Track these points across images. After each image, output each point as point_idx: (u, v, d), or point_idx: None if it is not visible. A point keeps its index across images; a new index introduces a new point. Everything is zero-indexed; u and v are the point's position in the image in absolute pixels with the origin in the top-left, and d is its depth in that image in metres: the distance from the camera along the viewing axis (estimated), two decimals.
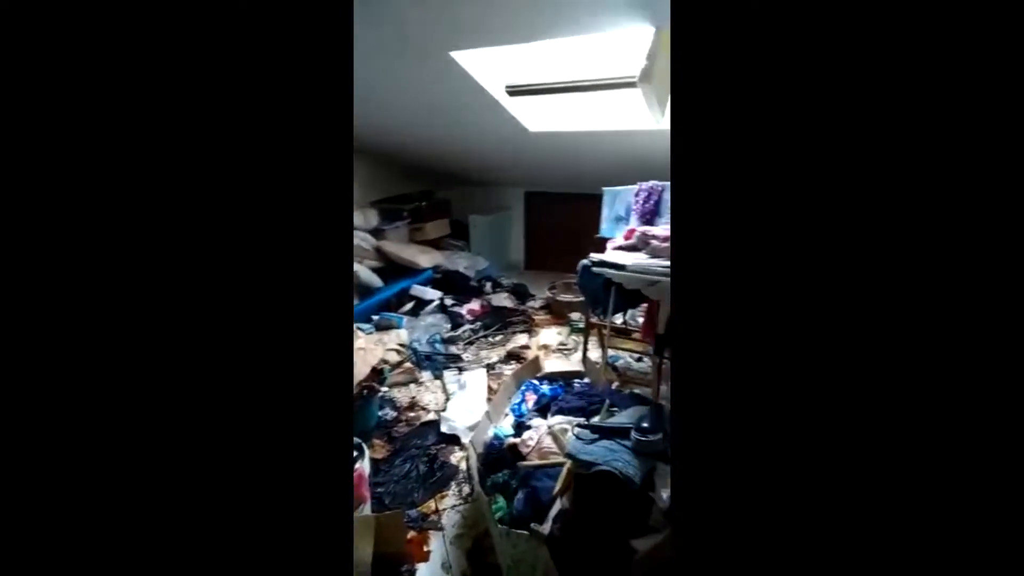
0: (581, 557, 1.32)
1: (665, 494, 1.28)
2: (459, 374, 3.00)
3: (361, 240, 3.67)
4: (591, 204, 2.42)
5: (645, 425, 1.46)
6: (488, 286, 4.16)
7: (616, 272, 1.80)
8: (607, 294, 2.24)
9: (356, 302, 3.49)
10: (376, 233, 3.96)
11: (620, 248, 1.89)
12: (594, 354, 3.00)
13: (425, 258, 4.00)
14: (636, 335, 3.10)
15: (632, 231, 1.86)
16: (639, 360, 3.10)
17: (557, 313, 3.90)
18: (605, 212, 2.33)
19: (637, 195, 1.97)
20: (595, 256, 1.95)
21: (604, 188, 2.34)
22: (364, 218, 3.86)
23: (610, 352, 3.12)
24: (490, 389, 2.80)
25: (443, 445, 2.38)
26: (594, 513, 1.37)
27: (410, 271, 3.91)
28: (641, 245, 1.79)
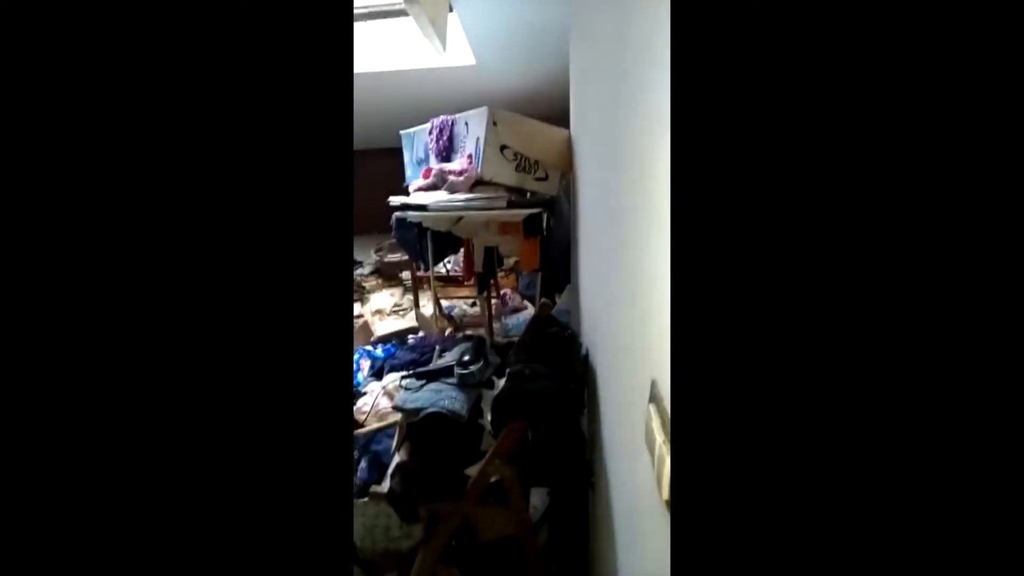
0: (422, 498, 1.32)
1: (489, 417, 1.32)
2: None
3: None
4: (398, 156, 2.29)
5: (467, 359, 1.48)
6: None
7: (420, 214, 1.74)
8: (424, 242, 2.18)
9: None
10: None
11: (421, 189, 1.82)
12: (429, 308, 2.97)
13: None
14: (466, 283, 3.16)
15: (429, 170, 1.80)
16: (473, 305, 3.17)
17: (388, 275, 3.75)
18: (407, 157, 2.22)
19: (431, 133, 1.89)
20: (396, 199, 1.85)
21: (401, 132, 2.21)
22: None
23: (445, 303, 3.12)
24: None
25: None
26: (431, 455, 1.37)
27: None
28: (439, 182, 1.74)
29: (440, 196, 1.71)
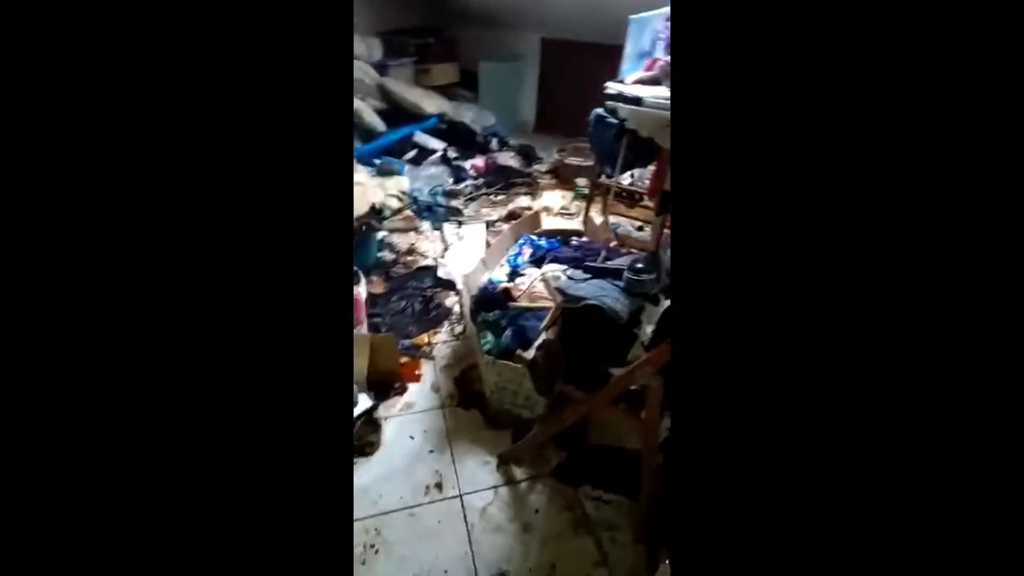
0: (560, 378, 1.40)
1: (649, 329, 1.30)
2: (458, 227, 2.97)
3: (363, 74, 3.36)
4: (613, 57, 2.13)
5: (639, 266, 1.44)
6: (494, 143, 3.93)
7: (630, 107, 1.63)
8: (618, 146, 2.08)
9: (357, 145, 3.33)
10: (379, 69, 3.62)
11: (640, 82, 1.68)
12: (597, 220, 2.93)
13: (430, 103, 3.71)
14: (641, 202, 3.00)
15: (654, 61, 1.64)
16: (640, 229, 3.04)
17: (563, 178, 3.75)
18: (628, 48, 2.04)
19: (667, 19, 1.69)
20: (612, 86, 1.75)
21: (631, 17, 2.02)
22: (367, 48, 3.49)
23: (612, 219, 3.04)
24: (488, 244, 2.79)
25: (438, 289, 2.44)
26: (578, 344, 1.42)
27: (414, 117, 3.66)
28: (663, 77, 1.58)
29: (659, 92, 1.57)
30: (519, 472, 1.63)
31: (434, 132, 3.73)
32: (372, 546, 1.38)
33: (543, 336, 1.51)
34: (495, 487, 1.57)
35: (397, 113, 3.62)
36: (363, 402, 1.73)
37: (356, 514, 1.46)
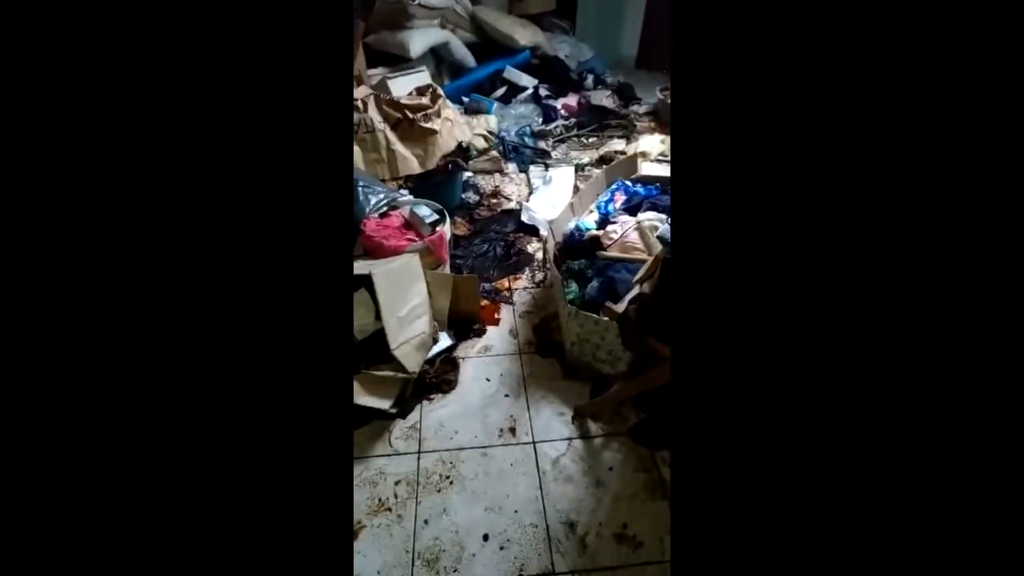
0: (652, 335, 1.28)
1: None
2: (546, 170, 2.82)
3: (455, 2, 3.20)
4: None
5: None
6: (589, 80, 3.63)
7: None
8: None
9: (446, 81, 3.23)
10: None
11: None
12: None
13: (524, 33, 3.47)
14: None
15: None
16: None
17: (664, 122, 3.41)
18: None
19: None
20: None
21: None
22: None
23: None
24: (576, 189, 2.63)
25: (521, 234, 2.37)
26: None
27: (505, 51, 3.46)
28: None
29: None
30: (594, 427, 1.58)
31: (526, 67, 3.52)
32: (447, 477, 1.42)
33: (637, 289, 1.38)
34: (569, 439, 1.54)
35: (488, 45, 3.44)
36: (444, 340, 1.75)
37: (433, 446, 1.50)
